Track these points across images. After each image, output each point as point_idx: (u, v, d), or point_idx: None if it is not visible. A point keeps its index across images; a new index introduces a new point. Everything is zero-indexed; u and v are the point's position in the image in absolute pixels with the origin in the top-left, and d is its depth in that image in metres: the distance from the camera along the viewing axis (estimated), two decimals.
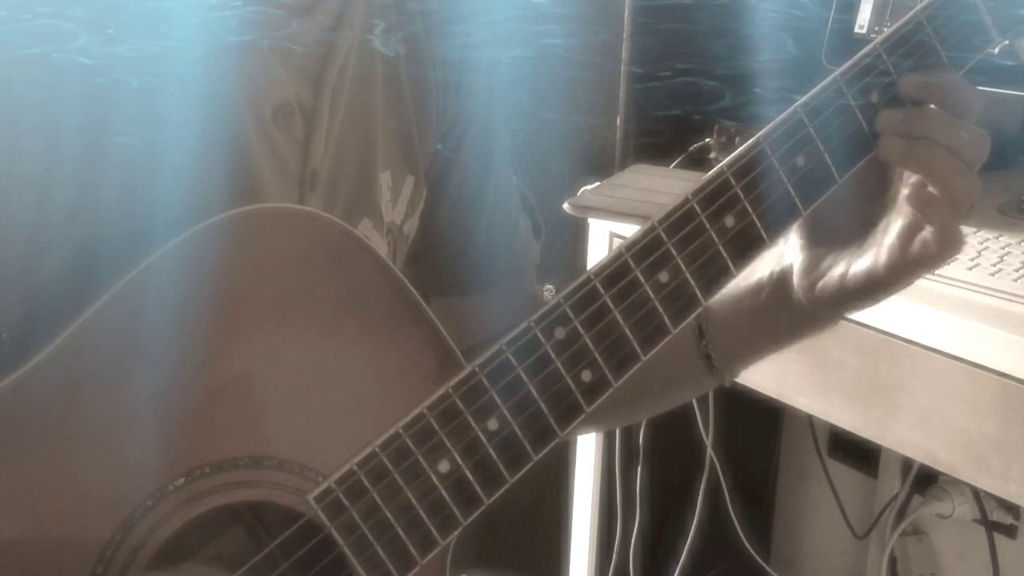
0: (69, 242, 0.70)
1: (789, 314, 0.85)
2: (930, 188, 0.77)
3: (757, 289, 0.86)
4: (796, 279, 0.84)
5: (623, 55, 1.56)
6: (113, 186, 0.71)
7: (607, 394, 0.74)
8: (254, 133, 0.76)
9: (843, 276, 0.81)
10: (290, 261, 0.70)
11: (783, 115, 0.77)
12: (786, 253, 0.85)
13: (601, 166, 1.59)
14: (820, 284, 0.82)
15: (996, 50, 0.79)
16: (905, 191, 0.78)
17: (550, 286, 1.72)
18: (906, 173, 0.78)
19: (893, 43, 0.78)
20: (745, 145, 0.76)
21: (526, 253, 0.99)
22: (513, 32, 0.93)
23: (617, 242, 1.50)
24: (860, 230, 0.81)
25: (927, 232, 0.77)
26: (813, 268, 0.83)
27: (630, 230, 0.76)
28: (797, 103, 0.77)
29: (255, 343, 0.69)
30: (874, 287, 0.80)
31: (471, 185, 0.93)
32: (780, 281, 0.85)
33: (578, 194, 1.38)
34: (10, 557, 0.65)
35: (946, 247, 0.77)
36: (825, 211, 0.81)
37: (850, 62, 0.78)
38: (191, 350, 0.68)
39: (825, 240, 0.83)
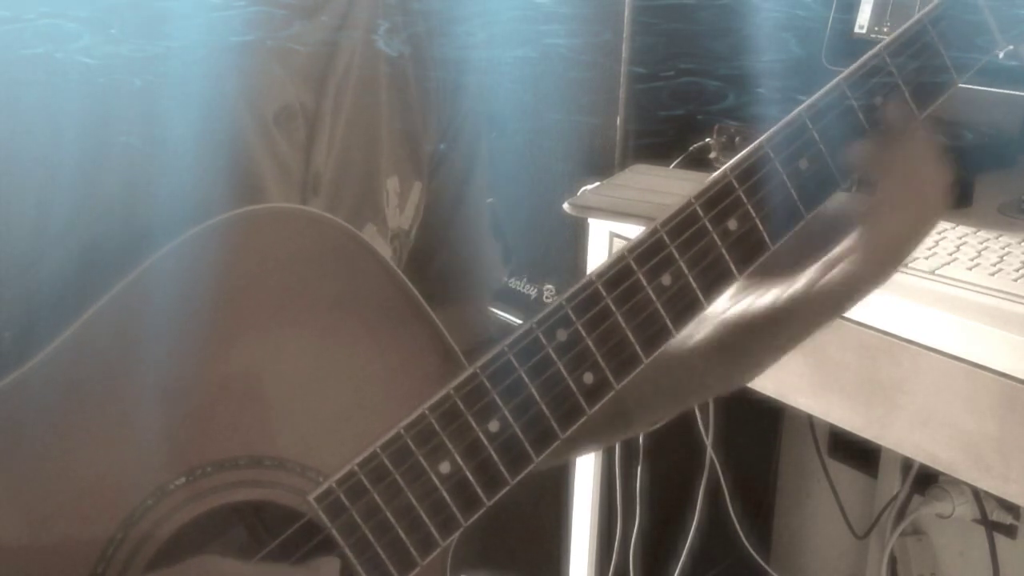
0: (71, 242, 0.70)
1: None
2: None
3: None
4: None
5: (624, 55, 1.56)
6: (115, 186, 0.70)
7: (609, 396, 0.74)
8: (255, 135, 0.76)
9: (749, 306, 0.80)
10: (292, 261, 0.70)
11: (787, 118, 0.77)
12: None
13: (601, 166, 1.59)
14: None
15: (1001, 55, 0.79)
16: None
17: (550, 286, 1.73)
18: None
19: (897, 46, 0.78)
20: (748, 148, 0.76)
21: (489, 275, 0.98)
22: (515, 32, 0.93)
23: (617, 242, 1.50)
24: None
25: (846, 262, 0.76)
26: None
27: (630, 230, 0.76)
28: (801, 106, 0.77)
29: (257, 343, 0.69)
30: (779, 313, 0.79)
31: (446, 198, 0.92)
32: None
33: (578, 194, 1.37)
34: (12, 555, 0.65)
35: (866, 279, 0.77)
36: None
37: (854, 65, 0.77)
38: (193, 350, 0.68)
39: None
